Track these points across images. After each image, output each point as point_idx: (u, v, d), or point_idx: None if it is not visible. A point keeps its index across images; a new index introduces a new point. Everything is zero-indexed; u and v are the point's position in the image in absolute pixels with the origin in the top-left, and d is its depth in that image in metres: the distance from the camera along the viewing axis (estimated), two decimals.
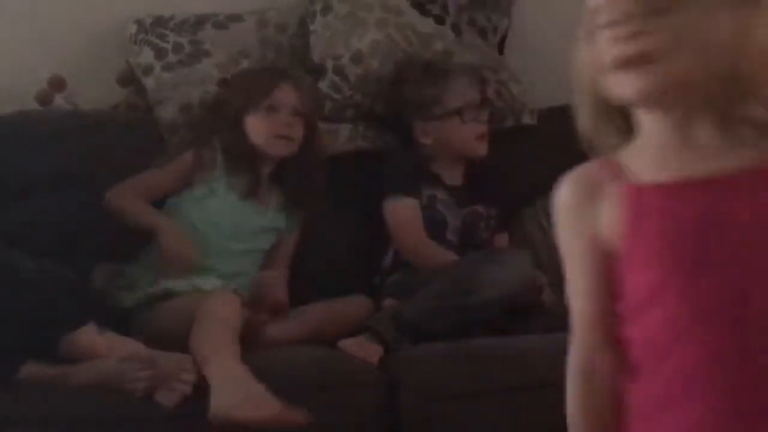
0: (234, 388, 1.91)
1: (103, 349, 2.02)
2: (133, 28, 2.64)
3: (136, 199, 2.36)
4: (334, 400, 2.03)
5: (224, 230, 2.38)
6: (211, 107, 2.48)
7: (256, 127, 2.39)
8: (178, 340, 2.03)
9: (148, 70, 2.61)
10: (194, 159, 2.40)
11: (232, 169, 2.39)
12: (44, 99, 2.63)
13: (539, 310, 2.34)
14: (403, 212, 2.49)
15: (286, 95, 2.42)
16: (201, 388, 1.95)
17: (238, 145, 2.39)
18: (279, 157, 2.43)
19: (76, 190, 2.32)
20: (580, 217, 1.16)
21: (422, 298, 2.25)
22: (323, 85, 2.63)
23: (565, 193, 1.18)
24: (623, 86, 1.09)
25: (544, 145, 2.72)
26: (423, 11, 2.72)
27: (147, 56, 2.62)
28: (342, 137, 2.64)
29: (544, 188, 2.68)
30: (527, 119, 2.74)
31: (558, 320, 2.33)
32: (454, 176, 2.60)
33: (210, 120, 2.44)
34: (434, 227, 2.51)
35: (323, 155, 2.50)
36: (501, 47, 2.81)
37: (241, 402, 1.89)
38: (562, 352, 2.11)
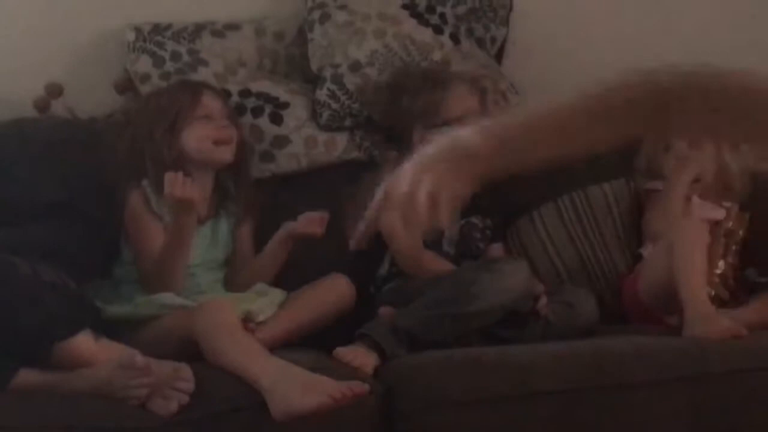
0: (285, 383, 1.92)
1: (99, 357, 2.01)
2: (131, 36, 2.64)
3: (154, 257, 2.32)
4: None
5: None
6: (133, 145, 2.39)
7: (198, 138, 2.38)
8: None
9: (145, 78, 2.61)
10: (141, 199, 2.36)
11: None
12: (41, 106, 2.62)
13: (535, 320, 2.34)
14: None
15: (212, 102, 2.43)
16: (197, 397, 1.95)
17: (173, 169, 2.30)
18: (222, 164, 2.42)
19: (67, 215, 2.34)
20: None
21: (419, 306, 2.25)
22: (321, 94, 2.63)
23: None
24: None
25: None
26: (421, 21, 2.72)
27: (145, 64, 2.62)
28: (339, 146, 2.64)
29: (539, 198, 2.71)
30: None
31: (554, 329, 2.35)
32: None
33: (137, 155, 2.38)
34: (431, 238, 2.51)
35: (250, 154, 2.52)
36: (499, 57, 2.81)
37: (299, 394, 1.90)
38: (560, 361, 2.12)
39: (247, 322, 2.19)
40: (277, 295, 2.36)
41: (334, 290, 2.35)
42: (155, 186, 2.35)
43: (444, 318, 2.22)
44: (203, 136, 2.39)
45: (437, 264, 2.46)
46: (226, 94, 2.56)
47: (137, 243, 2.36)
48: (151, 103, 2.47)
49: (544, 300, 2.36)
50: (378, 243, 2.51)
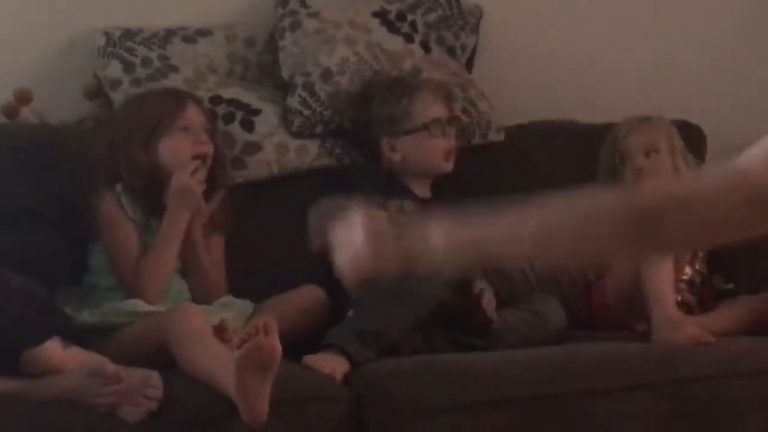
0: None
1: (68, 364, 2.00)
2: (102, 40, 2.63)
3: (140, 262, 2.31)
4: (300, 416, 2.02)
5: None
6: (110, 147, 2.37)
7: (175, 149, 2.36)
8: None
9: (115, 84, 2.60)
10: (114, 203, 2.35)
11: (145, 205, 2.34)
12: (10, 112, 2.61)
13: (483, 320, 2.32)
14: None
15: (195, 115, 2.41)
16: (167, 404, 1.94)
17: (147, 174, 2.33)
18: None
19: (36, 222, 2.32)
20: None
21: (372, 305, 2.23)
22: (293, 101, 2.63)
23: None
24: None
25: (511, 163, 2.74)
26: (392, 29, 2.73)
27: (115, 69, 2.61)
28: (311, 153, 2.64)
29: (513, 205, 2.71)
30: (494, 136, 2.75)
31: (523, 338, 2.36)
32: (422, 190, 2.61)
33: (113, 158, 2.36)
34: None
35: (227, 173, 2.49)
36: (469, 65, 2.83)
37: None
38: (528, 367, 2.13)
39: (223, 331, 2.18)
40: (244, 307, 2.35)
41: (307, 302, 2.34)
42: (129, 190, 2.34)
43: (397, 310, 2.21)
44: (183, 148, 2.36)
45: None
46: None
47: (113, 247, 2.34)
48: (133, 107, 2.45)
49: (488, 299, 2.35)
50: None
